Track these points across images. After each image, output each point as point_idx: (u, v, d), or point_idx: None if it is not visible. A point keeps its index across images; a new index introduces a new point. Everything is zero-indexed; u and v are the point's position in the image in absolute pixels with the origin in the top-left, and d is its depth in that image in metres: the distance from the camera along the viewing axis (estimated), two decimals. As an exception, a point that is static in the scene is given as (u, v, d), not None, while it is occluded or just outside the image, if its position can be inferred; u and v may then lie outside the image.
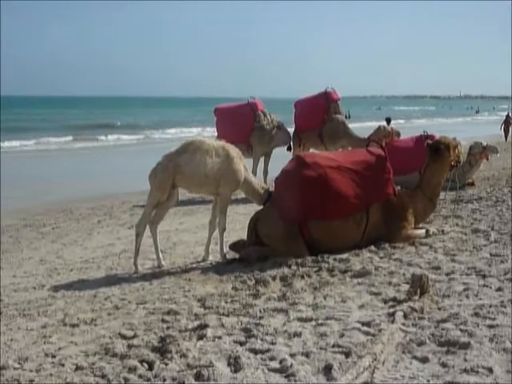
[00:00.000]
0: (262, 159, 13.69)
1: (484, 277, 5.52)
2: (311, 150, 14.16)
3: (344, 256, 6.68)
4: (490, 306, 4.65)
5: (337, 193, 6.87)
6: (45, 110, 76.02)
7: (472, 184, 12.15)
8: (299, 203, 6.84)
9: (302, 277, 6.07)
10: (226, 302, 5.42)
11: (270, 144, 13.63)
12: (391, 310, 4.75)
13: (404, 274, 5.78)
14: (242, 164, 7.08)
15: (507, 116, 32.35)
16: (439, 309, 4.72)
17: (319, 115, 13.47)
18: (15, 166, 21.10)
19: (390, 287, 5.46)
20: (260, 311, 5.05)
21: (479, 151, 12.21)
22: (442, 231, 7.54)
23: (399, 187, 8.43)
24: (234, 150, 7.06)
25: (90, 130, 41.81)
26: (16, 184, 15.67)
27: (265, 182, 12.11)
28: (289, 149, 13.96)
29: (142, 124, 49.29)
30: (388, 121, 17.09)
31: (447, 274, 5.70)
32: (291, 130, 14.18)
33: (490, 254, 6.27)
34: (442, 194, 8.29)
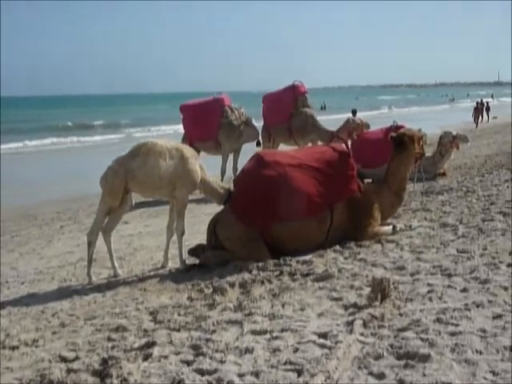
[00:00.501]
0: (231, 156, 13.39)
1: (449, 276, 5.25)
2: (281, 145, 13.93)
3: (307, 257, 6.41)
4: (454, 310, 4.38)
5: (298, 192, 6.57)
6: (25, 110, 73.89)
7: (443, 174, 11.94)
8: (259, 204, 6.55)
9: (262, 282, 5.78)
10: (179, 315, 5.11)
11: (238, 140, 13.29)
12: (350, 318, 4.46)
13: (367, 276, 5.50)
14: (198, 164, 6.75)
15: (477, 103, 32.38)
16: (401, 315, 4.45)
17: (287, 109, 13.18)
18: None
19: (351, 291, 5.18)
20: (213, 324, 4.75)
21: (449, 140, 12.00)
22: (410, 226, 7.29)
23: (369, 181, 8.18)
24: (188, 150, 6.73)
25: (70, 130, 41.11)
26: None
27: (234, 179, 11.79)
28: (258, 144, 13.67)
29: (123, 123, 47.94)
30: (354, 112, 16.85)
31: (412, 275, 5.44)
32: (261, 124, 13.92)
33: (457, 251, 6.01)
34: (411, 186, 8.07)
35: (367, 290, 5.00)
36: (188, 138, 13.54)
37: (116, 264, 6.81)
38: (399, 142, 7.16)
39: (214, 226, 6.65)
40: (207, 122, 13.18)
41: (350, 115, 14.34)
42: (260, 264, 6.25)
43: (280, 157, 6.77)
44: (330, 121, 36.32)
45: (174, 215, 6.85)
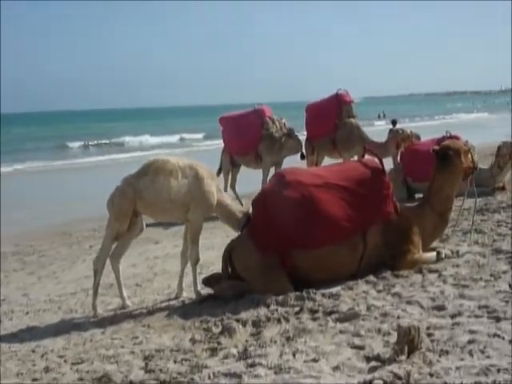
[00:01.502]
0: (272, 170, 12.66)
1: (497, 320, 4.37)
2: (325, 159, 13.13)
3: (335, 290, 5.61)
4: (499, 371, 3.52)
5: (324, 215, 5.79)
6: (39, 127, 71.76)
7: (503, 188, 10.86)
8: (279, 229, 5.79)
9: (279, 321, 5.03)
10: (175, 362, 4.42)
11: (279, 153, 12.50)
12: (369, 377, 3.66)
13: (398, 317, 4.67)
14: (215, 185, 6.06)
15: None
16: (431, 375, 3.61)
17: (331, 120, 12.33)
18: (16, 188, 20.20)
19: (377, 337, 4.36)
20: (209, 376, 4.04)
21: (508, 152, 10.90)
22: (457, 253, 6.37)
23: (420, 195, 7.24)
24: (203, 169, 6.04)
25: (104, 147, 40.81)
26: (15, 207, 14.92)
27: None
28: (302, 157, 12.86)
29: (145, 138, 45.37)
30: (394, 123, 15.82)
31: (452, 317, 4.57)
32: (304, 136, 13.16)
33: (510, 286, 5.09)
34: (462, 203, 7.16)
35: (395, 337, 4.18)
36: (227, 151, 12.93)
37: (125, 294, 6.19)
38: (443, 155, 6.28)
39: (229, 253, 5.94)
40: (247, 134, 12.48)
41: (397, 126, 13.29)
42: (279, 298, 5.49)
43: (303, 176, 5.99)
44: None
45: (187, 241, 6.18)
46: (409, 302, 5.02)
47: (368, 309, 4.98)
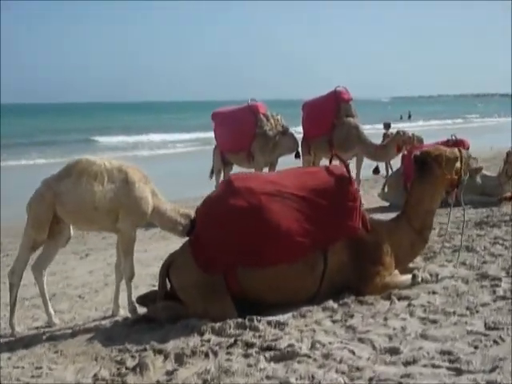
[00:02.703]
0: (265, 170, 11.83)
1: (457, 373, 3.49)
2: (322, 160, 12.26)
3: (284, 317, 4.80)
4: None
5: (275, 229, 4.94)
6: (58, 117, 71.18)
7: (510, 199, 9.88)
8: (223, 244, 4.97)
9: (206, 355, 4.23)
10: (61, 407, 3.63)
11: (273, 152, 11.64)
12: None
13: (341, 361, 3.82)
14: (149, 189, 5.25)
15: None
16: None
17: (328, 118, 11.46)
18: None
19: (308, 387, 3.53)
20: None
21: (517, 159, 9.94)
22: (437, 276, 5.50)
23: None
24: (134, 172, 5.24)
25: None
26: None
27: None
28: (297, 156, 12.01)
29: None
30: (387, 126, 14.83)
31: (405, 364, 3.70)
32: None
33: (485, 326, 4.20)
34: (449, 219, 6.27)
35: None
36: (219, 149, 12.14)
37: (51, 310, 5.44)
38: (421, 163, 5.40)
39: (166, 270, 5.13)
40: (239, 131, 11.66)
41: (404, 131, 12.16)
42: (217, 325, 4.69)
43: (254, 182, 5.15)
44: (415, 129, 34.43)
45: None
46: (361, 340, 4.17)
47: (312, 346, 4.14)
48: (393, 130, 12.91)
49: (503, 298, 4.77)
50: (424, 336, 4.10)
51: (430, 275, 5.51)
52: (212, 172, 12.38)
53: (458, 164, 5.52)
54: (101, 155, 26.57)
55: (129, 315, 5.39)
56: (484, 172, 10.44)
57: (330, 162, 5.63)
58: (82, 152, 26.51)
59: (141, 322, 5.16)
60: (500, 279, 5.26)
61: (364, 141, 11.13)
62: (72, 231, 5.42)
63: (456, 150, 5.57)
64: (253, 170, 11.75)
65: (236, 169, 12.28)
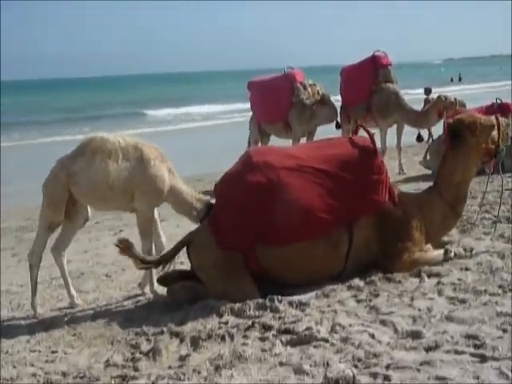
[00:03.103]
0: (303, 141, 11.54)
1: (482, 360, 3.25)
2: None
3: (307, 297, 4.61)
4: None
5: (296, 205, 4.73)
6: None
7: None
8: (243, 222, 4.79)
9: (222, 338, 4.09)
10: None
11: (311, 122, 11.33)
12: None
13: (359, 346, 3.62)
14: (166, 167, 5.10)
15: None
16: None
17: (366, 85, 11.09)
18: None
19: (320, 374, 3.34)
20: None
21: None
22: (471, 251, 5.20)
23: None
24: (150, 150, 5.08)
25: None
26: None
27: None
28: (337, 126, 11.68)
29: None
30: (428, 91, 14.20)
31: (427, 350, 3.48)
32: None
33: (517, 306, 3.93)
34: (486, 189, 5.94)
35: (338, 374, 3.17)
36: (255, 120, 11.91)
37: (73, 292, 5.39)
38: (454, 132, 5.07)
39: (186, 247, 4.99)
40: (275, 101, 11.39)
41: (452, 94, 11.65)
42: (236, 306, 4.53)
43: (273, 156, 4.92)
44: (464, 92, 33.33)
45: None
46: (383, 322, 3.95)
47: (331, 329, 3.95)
48: (439, 93, 12.37)
49: (540, 274, 4.46)
50: (450, 318, 3.85)
51: (464, 250, 5.22)
52: (249, 143, 12.19)
53: (494, 132, 5.17)
54: (154, 128, 26.42)
55: (151, 295, 5.30)
56: None
57: (356, 132, 5.35)
58: (135, 125, 26.78)
59: (161, 303, 5.07)
60: (538, 254, 4.94)
61: (404, 107, 10.73)
62: (90, 212, 5.32)
63: (493, 117, 5.21)
64: (290, 141, 11.54)
65: (273, 140, 12.07)
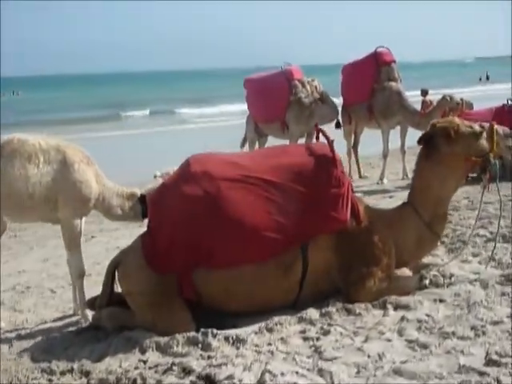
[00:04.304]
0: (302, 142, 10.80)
1: None
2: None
3: (246, 332, 3.91)
4: None
5: (238, 223, 4.03)
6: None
7: None
8: (177, 240, 4.10)
9: (134, 382, 3.43)
10: None
11: (309, 121, 10.52)
12: None
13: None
14: (92, 171, 4.46)
15: None
16: None
17: (368, 83, 10.31)
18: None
19: None
20: None
21: None
22: (450, 278, 4.45)
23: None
24: (74, 152, 4.44)
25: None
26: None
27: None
28: (338, 125, 10.88)
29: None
30: (424, 93, 13.33)
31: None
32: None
33: (486, 358, 3.17)
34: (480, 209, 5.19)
35: None
36: (252, 119, 11.21)
37: (-3, 311, 4.77)
38: (427, 140, 4.34)
39: (113, 269, 4.32)
40: (272, 99, 10.65)
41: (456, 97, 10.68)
42: (163, 340, 3.87)
43: (215, 165, 4.22)
44: (490, 93, 32.08)
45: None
46: (320, 372, 3.24)
47: (259, 378, 3.25)
48: (463, 94, 11.49)
49: (522, 314, 3.70)
50: (399, 372, 3.11)
51: (443, 276, 4.48)
52: (244, 142, 11.50)
53: (480, 142, 4.40)
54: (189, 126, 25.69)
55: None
56: None
57: (317, 138, 4.63)
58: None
59: (90, 331, 4.42)
60: (528, 286, 4.17)
61: (406, 108, 9.95)
62: (7, 223, 4.69)
63: (478, 124, 4.46)
64: (287, 142, 10.82)
65: (271, 140, 11.37)
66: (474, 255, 5.06)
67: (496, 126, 4.64)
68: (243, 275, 4.08)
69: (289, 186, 4.14)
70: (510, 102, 9.04)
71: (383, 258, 4.26)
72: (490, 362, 3.08)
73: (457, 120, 4.49)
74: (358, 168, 11.32)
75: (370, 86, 10.24)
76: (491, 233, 5.67)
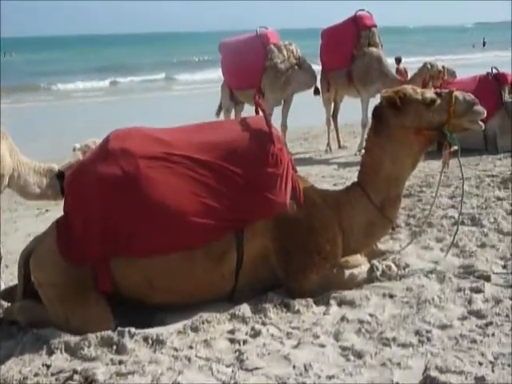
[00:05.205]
0: (278, 110, 10.25)
1: None
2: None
3: (168, 331, 3.46)
4: None
5: (160, 206, 3.55)
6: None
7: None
8: (92, 226, 3.62)
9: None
10: None
11: (286, 88, 9.97)
12: None
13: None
14: (6, 146, 4.02)
15: None
16: None
17: (347, 48, 9.73)
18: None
19: None
20: None
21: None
22: (405, 269, 4.00)
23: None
24: None
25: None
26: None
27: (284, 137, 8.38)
28: (316, 92, 10.31)
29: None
30: (398, 61, 12.77)
31: None
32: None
33: (423, 374, 2.72)
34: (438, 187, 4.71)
35: None
36: (227, 85, 10.64)
37: None
38: (375, 111, 3.83)
39: (25, 259, 3.85)
40: (247, 64, 10.07)
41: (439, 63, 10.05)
42: (73, 341, 3.41)
43: (135, 141, 3.71)
44: (487, 59, 31.19)
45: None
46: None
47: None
48: (455, 61, 10.93)
49: (477, 314, 3.25)
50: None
51: (397, 266, 4.02)
52: (219, 110, 10.96)
53: (436, 112, 3.84)
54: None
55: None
56: None
57: (256, 110, 4.12)
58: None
59: (5, 326, 3.96)
60: (488, 277, 3.72)
61: (386, 75, 9.38)
62: None
63: (434, 92, 3.92)
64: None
65: (248, 108, 10.81)
66: (438, 240, 4.60)
67: (456, 93, 3.89)
68: (168, 265, 3.61)
69: (220, 165, 3.64)
70: (494, 70, 8.49)
71: (327, 245, 3.78)
72: (426, 379, 2.62)
73: (407, 88, 3.91)
74: (338, 138, 10.79)
75: (350, 51, 9.67)
76: (463, 213, 5.20)
